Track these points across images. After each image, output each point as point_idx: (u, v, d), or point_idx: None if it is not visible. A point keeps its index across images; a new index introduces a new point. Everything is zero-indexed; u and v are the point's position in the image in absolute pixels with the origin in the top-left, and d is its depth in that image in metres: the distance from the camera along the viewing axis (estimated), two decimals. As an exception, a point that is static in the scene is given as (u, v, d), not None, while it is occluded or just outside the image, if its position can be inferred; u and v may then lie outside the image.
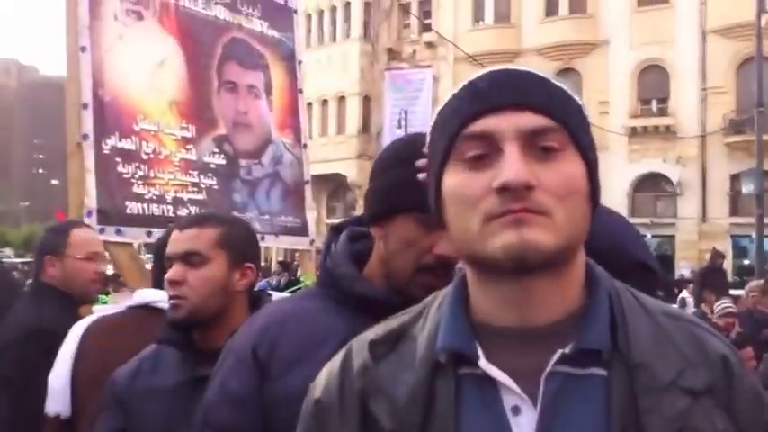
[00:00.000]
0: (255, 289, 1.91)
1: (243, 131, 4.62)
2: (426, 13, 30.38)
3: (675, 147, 25.93)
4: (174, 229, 1.84)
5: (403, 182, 1.30)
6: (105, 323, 2.22)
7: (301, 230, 4.92)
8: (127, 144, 3.89)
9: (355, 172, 29.85)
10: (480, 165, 0.87)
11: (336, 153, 29.46)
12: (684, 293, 12.53)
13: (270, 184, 4.74)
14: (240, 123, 4.61)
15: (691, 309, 9.93)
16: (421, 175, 1.15)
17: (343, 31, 31.84)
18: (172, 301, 1.75)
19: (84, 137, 3.70)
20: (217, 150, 4.41)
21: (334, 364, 1.00)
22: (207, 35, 4.50)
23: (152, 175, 3.99)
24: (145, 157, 3.97)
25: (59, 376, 2.15)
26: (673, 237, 25.98)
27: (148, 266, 3.58)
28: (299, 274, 11.70)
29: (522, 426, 0.85)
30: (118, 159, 3.83)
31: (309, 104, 26.03)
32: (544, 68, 0.83)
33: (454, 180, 0.89)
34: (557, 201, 0.84)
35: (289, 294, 2.17)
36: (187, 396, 1.63)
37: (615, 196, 23.80)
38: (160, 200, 4.00)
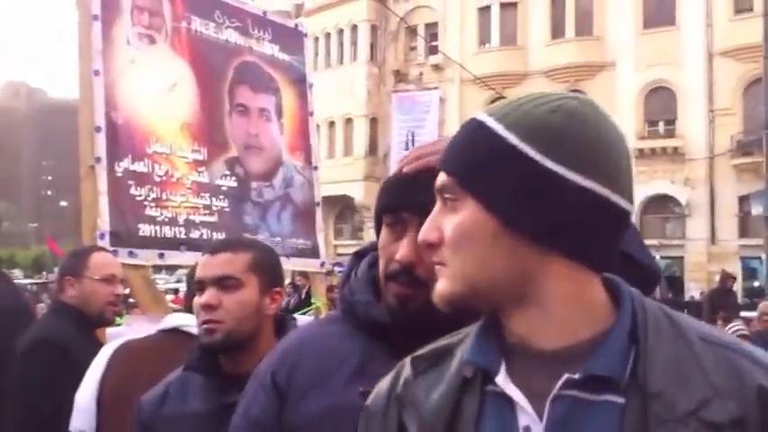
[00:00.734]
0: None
1: (254, 154, 4.64)
2: (433, 36, 30.51)
3: (683, 168, 25.88)
4: (205, 254, 1.83)
5: (381, 188, 1.31)
6: (134, 345, 2.25)
7: (312, 252, 4.93)
8: (139, 167, 3.92)
9: (362, 193, 29.87)
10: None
11: (344, 175, 29.51)
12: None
13: (281, 206, 4.75)
14: (251, 146, 4.63)
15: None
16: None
17: (350, 54, 32.01)
18: (206, 326, 1.74)
19: (98, 159, 3.72)
20: (228, 173, 4.43)
21: (389, 375, 1.05)
22: (218, 58, 4.54)
23: (164, 197, 4.01)
24: (157, 179, 3.99)
25: (85, 395, 2.18)
26: (682, 258, 25.83)
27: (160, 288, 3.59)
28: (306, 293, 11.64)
29: None
30: (131, 182, 3.85)
31: (317, 126, 26.11)
32: (551, 90, 0.84)
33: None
34: (452, 251, 0.91)
35: (312, 319, 2.16)
36: (214, 423, 1.63)
37: (623, 218, 23.66)
38: (172, 222, 4.01)
